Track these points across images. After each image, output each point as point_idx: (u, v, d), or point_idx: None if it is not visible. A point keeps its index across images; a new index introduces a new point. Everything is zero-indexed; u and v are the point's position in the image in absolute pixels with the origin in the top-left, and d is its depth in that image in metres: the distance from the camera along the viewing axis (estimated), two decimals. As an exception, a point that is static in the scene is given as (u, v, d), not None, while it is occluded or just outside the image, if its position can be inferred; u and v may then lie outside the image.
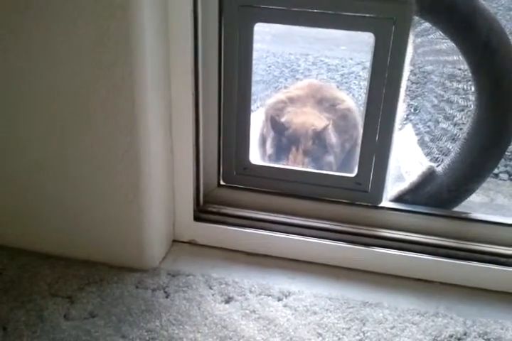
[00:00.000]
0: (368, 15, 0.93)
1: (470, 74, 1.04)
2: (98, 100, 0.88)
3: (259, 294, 0.96)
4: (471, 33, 0.99)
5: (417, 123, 2.16)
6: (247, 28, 0.97)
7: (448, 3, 0.97)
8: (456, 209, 1.11)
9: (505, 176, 1.87)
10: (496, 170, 1.79)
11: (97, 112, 0.89)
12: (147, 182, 0.94)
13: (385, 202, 1.07)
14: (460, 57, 1.10)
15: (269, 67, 2.53)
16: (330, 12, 0.94)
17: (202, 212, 1.08)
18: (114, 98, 0.88)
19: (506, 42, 0.99)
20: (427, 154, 1.70)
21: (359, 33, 0.98)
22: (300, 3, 0.94)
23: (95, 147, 0.93)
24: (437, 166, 1.12)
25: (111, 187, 0.95)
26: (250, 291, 0.96)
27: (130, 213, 0.96)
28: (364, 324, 0.91)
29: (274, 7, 0.96)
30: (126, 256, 1.00)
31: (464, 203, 1.13)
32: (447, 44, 1.33)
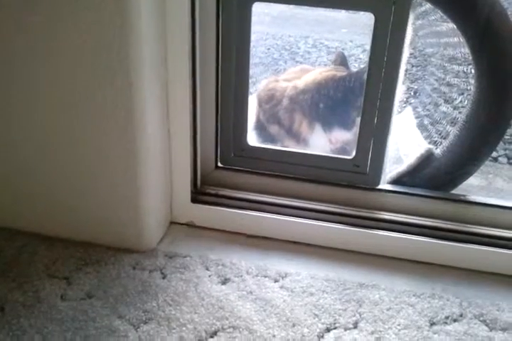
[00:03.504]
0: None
1: (470, 56, 1.03)
2: (95, 82, 0.88)
3: (256, 275, 0.96)
4: (472, 14, 0.97)
5: (417, 107, 2.15)
6: (245, 7, 0.96)
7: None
8: (454, 191, 1.11)
9: (504, 160, 1.86)
10: (494, 154, 1.78)
11: (94, 94, 0.89)
12: (144, 163, 0.94)
13: (383, 185, 1.07)
14: (460, 38, 1.09)
15: (269, 49, 2.51)
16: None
17: (199, 194, 1.08)
18: (110, 79, 0.87)
19: (507, 23, 0.98)
20: (427, 137, 1.69)
21: (360, 15, 0.97)
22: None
23: (92, 129, 0.92)
24: (436, 149, 1.12)
25: (108, 169, 0.95)
26: (247, 273, 0.97)
27: (127, 195, 0.96)
28: (360, 305, 0.91)
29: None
30: (123, 238, 1.00)
31: (462, 186, 1.13)
32: (448, 25, 1.31)
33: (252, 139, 1.23)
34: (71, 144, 0.94)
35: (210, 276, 0.95)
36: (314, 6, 0.97)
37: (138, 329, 0.84)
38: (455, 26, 1.02)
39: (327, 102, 1.22)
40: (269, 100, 1.25)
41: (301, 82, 1.25)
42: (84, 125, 0.92)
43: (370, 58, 0.96)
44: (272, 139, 1.26)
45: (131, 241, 1.00)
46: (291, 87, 1.25)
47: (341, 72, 1.23)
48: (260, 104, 1.29)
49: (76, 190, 0.99)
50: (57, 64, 0.88)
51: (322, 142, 1.25)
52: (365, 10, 0.94)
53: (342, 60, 1.31)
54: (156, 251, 1.01)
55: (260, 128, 1.28)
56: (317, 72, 1.28)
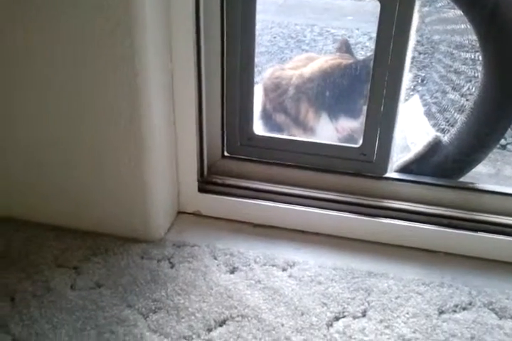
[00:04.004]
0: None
1: (477, 43, 1.02)
2: (99, 71, 0.87)
3: (264, 264, 0.96)
4: (479, 0, 0.96)
5: (424, 94, 2.14)
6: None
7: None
8: (462, 179, 1.10)
9: (511, 148, 1.85)
10: (503, 142, 1.77)
11: (99, 83, 0.88)
12: (150, 153, 0.94)
13: (391, 173, 1.07)
14: (467, 25, 1.07)
15: (275, 37, 2.49)
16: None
17: (206, 183, 1.08)
18: (115, 69, 0.86)
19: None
20: (434, 125, 1.68)
21: (366, 2, 0.96)
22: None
23: (97, 119, 0.92)
24: (443, 136, 1.11)
25: (115, 159, 0.95)
26: (255, 262, 0.97)
27: (134, 184, 0.96)
28: (369, 294, 0.91)
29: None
30: (131, 227, 1.00)
31: (470, 174, 1.13)
32: (455, 12, 1.29)
33: (259, 128, 1.23)
34: (77, 135, 0.94)
35: (218, 265, 0.96)
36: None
37: (147, 319, 0.84)
38: (462, 13, 1.01)
39: (333, 90, 1.21)
40: (275, 89, 1.25)
41: (307, 70, 1.24)
42: (89, 115, 0.92)
43: (376, 46, 0.95)
44: (278, 128, 1.26)
45: (139, 231, 1.00)
46: (297, 75, 1.24)
47: (347, 60, 1.22)
48: (266, 93, 1.28)
49: (83, 181, 0.99)
50: (60, 53, 0.88)
51: (329, 131, 1.24)
52: (372, -3, 0.93)
53: (347, 48, 1.30)
54: (164, 241, 1.01)
55: (266, 117, 1.27)
56: (323, 60, 1.26)
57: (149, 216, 0.99)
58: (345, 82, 1.20)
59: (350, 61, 1.21)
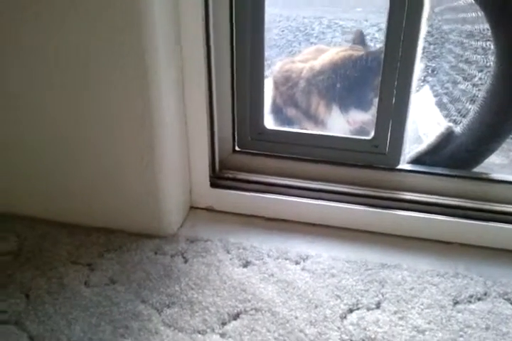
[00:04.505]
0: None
1: (489, 31, 1.00)
2: (110, 66, 0.87)
3: (277, 258, 0.96)
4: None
5: (435, 85, 2.12)
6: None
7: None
8: (475, 170, 1.09)
9: (524, 137, 1.82)
10: (516, 132, 1.75)
11: (109, 81, 0.88)
12: (162, 150, 0.94)
13: (403, 164, 1.06)
14: (479, 13, 1.06)
15: (283, 31, 2.48)
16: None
17: (218, 179, 1.08)
18: (125, 66, 0.86)
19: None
20: (446, 116, 1.66)
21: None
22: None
23: (108, 116, 0.92)
24: (456, 127, 1.10)
25: (127, 156, 0.95)
26: (268, 255, 0.97)
27: (146, 180, 0.96)
28: (383, 286, 0.91)
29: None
30: (144, 223, 1.01)
31: (483, 165, 1.11)
32: (465, 1, 1.28)
33: (269, 122, 1.22)
34: (88, 133, 0.95)
35: (231, 259, 0.96)
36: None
37: (161, 313, 0.85)
38: (473, 1, 1.00)
39: (344, 82, 1.21)
40: (286, 82, 1.24)
41: (318, 63, 1.23)
42: (100, 113, 0.92)
43: (387, 36, 0.94)
44: (289, 122, 1.26)
45: (152, 227, 1.01)
46: (307, 68, 1.23)
47: (358, 52, 1.21)
48: (276, 87, 1.28)
49: (95, 178, 0.99)
50: (69, 51, 0.88)
51: (340, 123, 1.24)
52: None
53: (361, 39, 1.29)
54: (177, 236, 1.01)
55: (277, 111, 1.27)
56: (333, 51, 1.26)
57: (162, 212, 0.99)
58: (357, 73, 1.19)
59: (362, 53, 1.21)
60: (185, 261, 0.95)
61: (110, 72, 0.88)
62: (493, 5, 0.97)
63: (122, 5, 0.82)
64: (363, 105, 1.21)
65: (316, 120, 1.24)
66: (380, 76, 0.98)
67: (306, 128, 1.24)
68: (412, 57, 0.95)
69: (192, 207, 1.09)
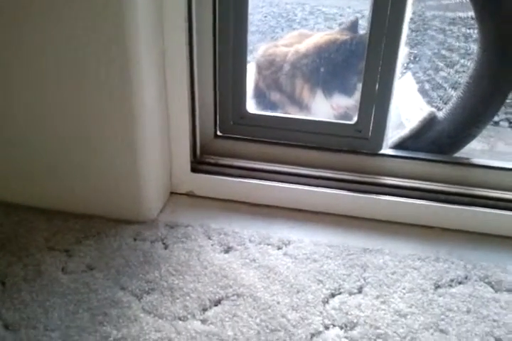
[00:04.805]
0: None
1: (472, 18, 1.00)
2: (90, 50, 0.85)
3: (259, 243, 0.95)
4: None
5: (417, 72, 2.12)
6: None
7: None
8: (456, 155, 1.09)
9: (505, 124, 1.84)
10: (496, 118, 1.76)
11: (90, 62, 0.86)
12: (142, 133, 0.92)
13: (386, 149, 1.05)
14: (463, 0, 1.05)
15: (265, 17, 2.45)
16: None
17: (199, 163, 1.06)
18: (106, 48, 0.84)
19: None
20: (428, 103, 1.66)
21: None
22: None
23: (89, 98, 0.90)
24: (438, 112, 1.10)
25: (106, 139, 0.93)
26: (250, 241, 0.96)
27: (126, 165, 0.95)
28: (365, 270, 0.90)
29: None
30: (123, 209, 0.99)
31: (464, 150, 1.11)
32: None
33: (252, 107, 1.21)
34: (67, 115, 0.92)
35: (212, 245, 0.94)
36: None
37: (141, 300, 0.83)
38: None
39: (328, 67, 1.19)
40: (269, 66, 1.22)
41: (303, 46, 1.21)
42: (80, 94, 0.90)
43: (372, 20, 0.93)
44: (272, 106, 1.24)
45: (132, 212, 0.99)
46: (292, 51, 1.22)
47: (343, 36, 1.20)
48: (259, 71, 1.26)
49: (74, 162, 0.97)
50: (49, 32, 0.85)
51: (324, 108, 1.22)
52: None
53: (352, 26, 1.26)
54: (157, 222, 1.00)
55: (260, 95, 1.25)
56: (319, 35, 1.24)
57: (142, 197, 0.98)
58: (341, 58, 1.18)
59: (347, 37, 1.19)
60: (166, 247, 0.94)
61: (91, 55, 0.85)
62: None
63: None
64: (346, 90, 1.20)
65: (300, 104, 1.22)
66: (365, 61, 0.97)
67: (289, 113, 1.23)
68: (396, 43, 0.94)
69: (172, 193, 1.08)
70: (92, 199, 1.00)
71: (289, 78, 1.21)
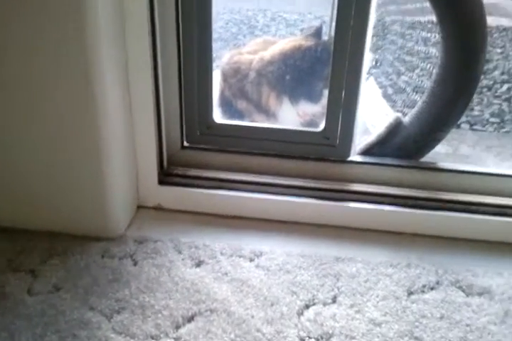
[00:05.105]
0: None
1: (436, 22, 1.01)
2: (49, 58, 0.82)
3: (231, 256, 0.94)
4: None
5: (379, 77, 2.14)
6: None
7: None
8: (423, 160, 1.11)
9: (466, 126, 1.89)
10: (457, 120, 1.80)
11: (49, 72, 0.83)
12: (106, 146, 0.90)
13: (354, 156, 1.06)
14: (423, 5, 1.06)
15: (227, 24, 2.45)
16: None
17: (166, 175, 1.04)
18: (65, 55, 0.82)
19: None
20: (392, 107, 1.68)
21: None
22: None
23: (50, 109, 0.87)
24: (404, 117, 1.11)
25: (69, 152, 0.90)
26: (221, 253, 0.94)
27: (91, 179, 0.92)
28: (338, 279, 0.90)
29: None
30: (89, 225, 0.96)
31: (429, 154, 1.13)
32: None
33: (218, 116, 1.19)
34: (27, 127, 0.89)
35: (183, 260, 0.92)
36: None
37: (111, 320, 0.81)
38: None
39: (294, 74, 1.19)
40: (235, 74, 1.21)
41: (268, 53, 1.21)
42: (41, 106, 0.87)
43: (336, 27, 0.94)
44: (239, 115, 1.23)
45: (99, 228, 0.96)
46: (257, 58, 1.21)
47: (308, 42, 1.20)
48: (225, 79, 1.24)
49: (36, 177, 0.94)
50: (6, 33, 0.82)
51: (291, 115, 1.22)
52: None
53: (316, 32, 1.26)
54: (125, 237, 0.97)
55: (226, 104, 1.24)
56: (284, 42, 1.24)
57: (108, 212, 0.95)
58: (306, 64, 1.18)
59: (311, 43, 1.19)
60: (135, 264, 0.92)
61: (52, 66, 0.83)
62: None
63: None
64: (313, 97, 1.20)
65: (266, 112, 1.21)
66: (330, 67, 0.97)
67: (257, 121, 1.22)
68: (361, 48, 0.95)
69: (140, 207, 1.05)
70: (57, 215, 0.96)
71: (254, 86, 1.20)
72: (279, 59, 1.18)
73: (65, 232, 0.97)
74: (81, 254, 0.93)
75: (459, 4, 0.97)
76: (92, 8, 0.79)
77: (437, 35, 1.02)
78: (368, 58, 1.01)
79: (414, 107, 1.11)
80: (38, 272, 0.89)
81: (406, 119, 1.09)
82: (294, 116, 1.22)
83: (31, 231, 0.97)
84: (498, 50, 2.60)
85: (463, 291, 0.89)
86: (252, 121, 1.22)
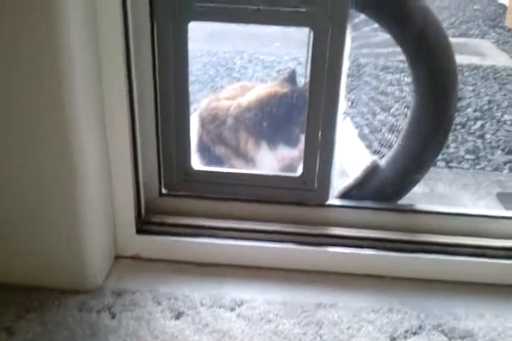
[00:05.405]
0: (304, 10, 0.91)
1: (408, 66, 1.04)
2: (25, 99, 0.82)
3: (211, 306, 0.92)
4: (407, 24, 0.98)
5: (355, 116, 2.19)
6: (180, 27, 0.94)
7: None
8: (401, 201, 1.12)
9: (442, 164, 1.92)
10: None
11: (25, 115, 0.83)
12: (83, 194, 0.89)
13: (332, 200, 1.06)
14: (394, 49, 1.10)
15: (204, 66, 2.49)
16: (266, 8, 0.92)
17: (144, 224, 1.03)
18: (42, 99, 0.82)
19: (441, 32, 1.00)
20: (368, 147, 1.71)
21: (292, 28, 0.97)
22: (235, 0, 0.91)
23: (26, 159, 0.86)
24: (380, 159, 1.12)
25: (44, 201, 0.89)
26: (201, 304, 0.93)
27: (67, 230, 0.91)
28: (320, 327, 0.89)
29: (208, 5, 0.92)
30: (66, 277, 0.94)
31: (406, 195, 1.14)
32: (382, 36, 1.33)
33: (196, 162, 1.20)
34: (1, 174, 0.88)
35: (162, 311, 0.91)
36: (252, 23, 0.96)
37: (89, 377, 0.78)
38: (391, 36, 1.03)
39: (271, 120, 1.21)
40: (213, 120, 1.23)
41: (245, 100, 1.23)
42: (18, 155, 0.86)
43: (311, 73, 0.95)
44: (217, 161, 1.23)
45: (76, 281, 0.94)
46: (235, 105, 1.23)
47: (283, 89, 1.22)
48: (203, 125, 1.26)
49: (9, 227, 0.92)
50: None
51: (269, 160, 1.23)
52: (303, 25, 0.94)
53: (291, 77, 1.29)
54: (103, 289, 0.95)
55: (204, 149, 1.24)
56: (260, 88, 1.26)
57: (85, 263, 0.93)
58: (283, 110, 1.20)
59: (286, 90, 1.21)
60: (113, 317, 0.89)
61: (29, 106, 0.83)
62: (410, 41, 1.00)
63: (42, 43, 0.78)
64: (290, 141, 1.21)
65: (245, 157, 1.22)
66: (306, 113, 0.98)
67: (235, 167, 1.23)
68: (336, 93, 0.97)
69: (117, 257, 1.03)
70: (33, 268, 0.94)
71: (232, 132, 1.21)
72: (256, 105, 1.20)
73: (42, 285, 0.94)
74: (58, 308, 0.91)
75: (429, 48, 1.00)
76: (70, 58, 0.80)
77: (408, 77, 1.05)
78: (343, 103, 1.03)
79: (389, 146, 1.13)
80: (13, 328, 0.86)
81: (382, 162, 1.11)
82: (273, 160, 1.23)
83: (6, 286, 0.94)
84: (470, 88, 2.68)
85: (445, 335, 0.89)
86: (230, 167, 1.22)
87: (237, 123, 1.21)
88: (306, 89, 0.98)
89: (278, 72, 2.48)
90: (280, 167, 1.24)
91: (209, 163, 1.24)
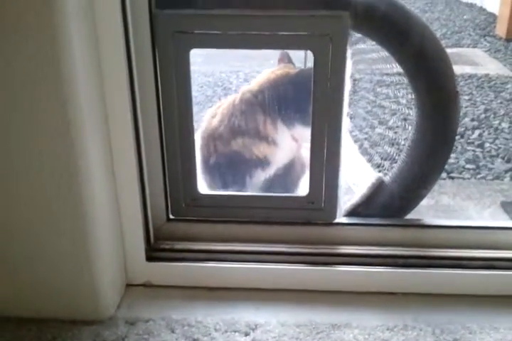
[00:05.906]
0: (304, 33, 0.92)
1: (408, 83, 1.05)
2: (33, 142, 0.83)
3: (225, 331, 0.92)
4: (405, 41, 0.99)
5: (353, 131, 2.20)
6: (182, 54, 0.94)
7: (381, 15, 0.97)
8: (408, 216, 1.12)
9: (443, 175, 1.92)
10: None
11: (33, 154, 0.84)
12: (92, 226, 0.89)
13: (340, 218, 1.06)
14: (391, 65, 1.11)
15: (201, 87, 2.51)
16: (266, 33, 0.93)
17: (154, 251, 1.03)
18: (47, 126, 0.82)
19: (439, 48, 1.01)
20: (368, 161, 1.71)
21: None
22: (235, 26, 0.92)
23: (36, 192, 0.86)
24: (385, 175, 1.12)
25: (54, 234, 0.89)
26: (215, 329, 0.92)
27: (77, 261, 0.90)
28: (336, 348, 0.88)
29: (208, 32, 0.93)
30: (78, 309, 0.94)
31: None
32: (379, 53, 1.34)
33: (203, 185, 1.19)
34: (12, 209, 0.88)
35: (176, 339, 0.90)
36: (253, 48, 0.97)
37: None
38: (388, 53, 1.04)
39: (286, 100, 1.19)
40: (219, 125, 1.22)
41: (254, 85, 1.23)
42: (24, 183, 0.86)
43: (314, 94, 0.96)
44: (222, 183, 1.22)
45: (88, 312, 0.93)
46: (240, 95, 1.23)
47: (292, 69, 1.22)
48: (207, 142, 1.24)
49: (20, 261, 0.91)
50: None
51: (288, 141, 1.21)
52: (304, 48, 0.95)
53: (289, 61, 1.29)
54: (116, 319, 0.94)
55: (212, 169, 1.23)
56: (266, 72, 1.26)
57: (97, 294, 0.93)
58: (296, 90, 1.16)
59: (297, 70, 1.21)
60: (128, 347, 0.89)
61: (36, 146, 0.83)
62: (409, 57, 1.01)
63: (44, 77, 0.78)
64: (305, 120, 1.19)
65: (266, 140, 1.17)
66: (310, 129, 0.98)
67: (258, 154, 1.19)
68: (339, 111, 0.97)
69: (128, 285, 1.03)
70: (44, 300, 0.94)
71: (248, 116, 1.19)
72: (269, 87, 1.19)
73: (53, 317, 0.94)
74: (71, 340, 0.90)
75: (428, 65, 1.01)
76: (72, 86, 0.80)
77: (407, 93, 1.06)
78: (347, 121, 1.04)
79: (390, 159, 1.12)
80: (28, 362, 0.86)
81: (388, 178, 1.11)
82: (291, 141, 1.21)
83: (19, 319, 0.94)
84: (466, 97, 2.70)
85: (462, 351, 0.88)
86: (237, 191, 1.21)
87: (251, 108, 1.19)
88: (311, 69, 0.97)
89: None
90: (297, 148, 1.21)
91: (215, 184, 1.23)
